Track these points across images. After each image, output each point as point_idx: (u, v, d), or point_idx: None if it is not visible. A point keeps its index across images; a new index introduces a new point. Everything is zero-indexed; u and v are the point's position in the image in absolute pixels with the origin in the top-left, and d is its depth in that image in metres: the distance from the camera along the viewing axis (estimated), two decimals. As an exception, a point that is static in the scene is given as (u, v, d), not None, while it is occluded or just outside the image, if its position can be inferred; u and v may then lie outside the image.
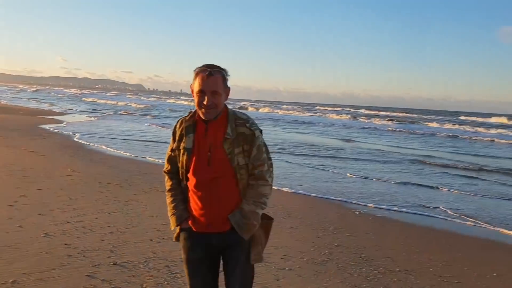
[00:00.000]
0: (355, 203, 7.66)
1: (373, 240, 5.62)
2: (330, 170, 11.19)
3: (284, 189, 8.33)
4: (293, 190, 8.35)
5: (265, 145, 2.33)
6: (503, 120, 58.09)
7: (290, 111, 63.34)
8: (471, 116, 74.62)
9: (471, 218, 7.08)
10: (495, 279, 4.55)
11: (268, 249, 4.74)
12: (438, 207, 7.72)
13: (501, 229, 6.54)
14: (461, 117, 71.79)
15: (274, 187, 7.47)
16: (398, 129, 33.70)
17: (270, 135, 20.78)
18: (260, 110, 64.38)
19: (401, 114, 73.45)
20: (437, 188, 9.59)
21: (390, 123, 44.99)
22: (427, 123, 47.58)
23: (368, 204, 7.61)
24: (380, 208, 7.44)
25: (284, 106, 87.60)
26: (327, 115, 57.43)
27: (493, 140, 27.33)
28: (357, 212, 7.11)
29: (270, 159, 2.34)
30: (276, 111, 62.95)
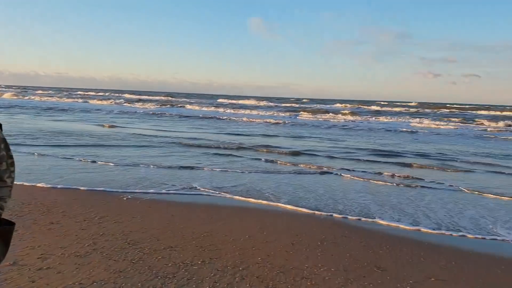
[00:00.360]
0: (122, 191, 7.56)
1: (140, 223, 5.69)
2: (93, 159, 10.70)
3: (39, 185, 7.57)
4: (51, 185, 7.66)
5: (4, 140, 2.04)
6: (252, 102, 68.72)
7: (47, 97, 57.83)
8: (228, 99, 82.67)
9: (229, 192, 7.87)
10: (247, 240, 5.21)
11: (22, 250, 4.30)
12: (202, 185, 8.31)
13: (251, 199, 7.47)
14: (220, 100, 78.72)
15: (26, 184, 6.73)
16: (161, 113, 34.63)
17: (19, 125, 18.50)
18: (5, 96, 56.42)
19: (165, 98, 76.19)
20: (200, 168, 10.26)
21: (153, 107, 45.98)
22: (187, 105, 51.22)
23: (135, 190, 7.63)
24: (148, 192, 7.56)
25: (40, 92, 79.37)
26: (91, 100, 54.82)
27: (242, 119, 31.17)
28: (124, 198, 7.05)
29: (11, 156, 2.07)
30: (32, 97, 56.36)
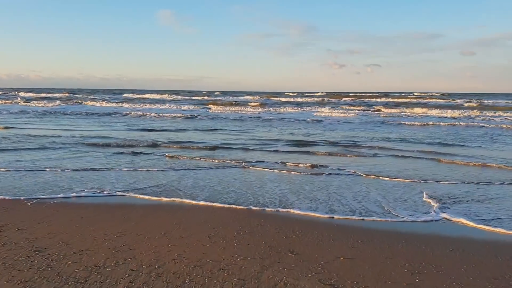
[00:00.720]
0: (25, 198, 6.98)
1: (46, 228, 5.37)
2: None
3: None
4: None
5: None
6: (158, 96, 69.37)
7: None
8: (135, 94, 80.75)
9: (143, 192, 7.61)
10: (162, 238, 5.14)
11: None
12: (113, 187, 8.01)
13: (165, 198, 7.29)
14: (126, 95, 76.80)
15: None
16: (63, 111, 32.69)
17: None
18: None
19: (67, 95, 72.94)
20: (110, 169, 9.76)
21: (51, 105, 43.60)
22: (90, 102, 50.03)
23: (41, 196, 7.10)
24: (56, 197, 7.09)
25: None
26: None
27: (151, 115, 30.73)
28: (29, 204, 6.59)
29: None
30: None
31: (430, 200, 7.28)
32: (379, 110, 39.25)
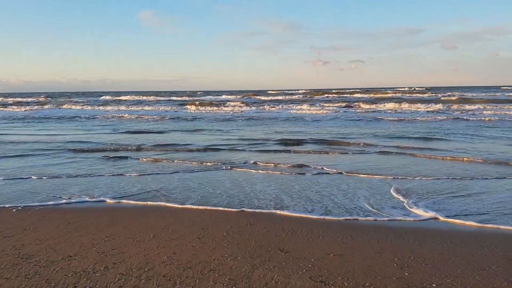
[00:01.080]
0: (10, 206, 6.83)
1: (33, 235, 5.29)
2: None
3: None
4: None
5: None
6: (136, 97, 70.26)
7: None
8: (115, 96, 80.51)
9: (131, 197, 7.53)
10: (151, 240, 5.10)
11: None
12: (100, 192, 7.94)
13: (151, 202, 7.21)
14: (104, 97, 76.61)
15: None
16: (43, 116, 32.20)
17: None
18: None
19: (44, 99, 72.63)
20: (97, 174, 9.59)
21: (27, 109, 43.08)
22: (66, 105, 50.17)
23: (29, 204, 6.93)
24: (42, 204, 6.94)
25: None
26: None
27: (124, 116, 31.04)
28: (14, 210, 6.48)
29: None
30: None
31: (400, 196, 7.38)
32: (361, 106, 39.54)
